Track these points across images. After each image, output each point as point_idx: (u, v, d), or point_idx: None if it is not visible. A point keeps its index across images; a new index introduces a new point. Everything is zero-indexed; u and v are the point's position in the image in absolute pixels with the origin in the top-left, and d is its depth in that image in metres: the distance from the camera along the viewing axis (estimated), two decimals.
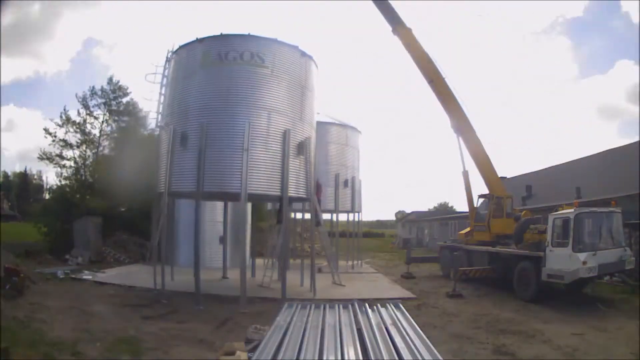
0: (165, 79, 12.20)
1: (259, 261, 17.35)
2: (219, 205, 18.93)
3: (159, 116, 12.10)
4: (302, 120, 11.88)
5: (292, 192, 11.32)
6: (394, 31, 15.56)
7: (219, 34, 11.29)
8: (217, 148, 10.65)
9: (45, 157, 22.50)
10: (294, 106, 11.59)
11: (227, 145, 10.66)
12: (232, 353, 5.70)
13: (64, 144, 22.62)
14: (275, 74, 11.28)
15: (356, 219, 21.57)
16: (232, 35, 11.31)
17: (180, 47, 11.93)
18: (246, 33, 11.24)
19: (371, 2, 15.49)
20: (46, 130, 22.26)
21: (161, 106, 12.14)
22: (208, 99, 11.04)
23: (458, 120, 15.31)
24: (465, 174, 15.90)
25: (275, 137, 11.03)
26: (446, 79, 15.32)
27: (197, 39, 11.43)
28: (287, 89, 11.50)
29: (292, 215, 21.24)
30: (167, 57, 12.19)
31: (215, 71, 11.13)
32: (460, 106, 15.29)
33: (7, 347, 5.83)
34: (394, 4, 15.55)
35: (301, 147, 11.66)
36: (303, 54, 12.06)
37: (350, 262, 20.39)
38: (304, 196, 12.16)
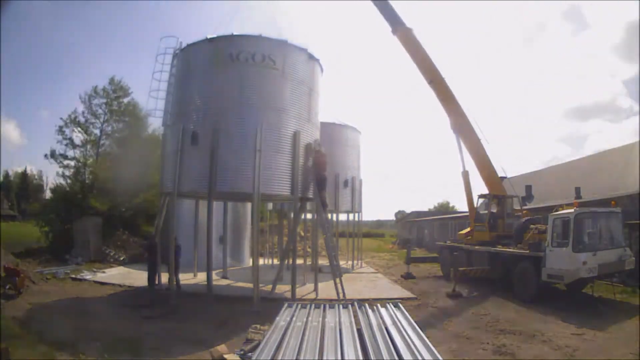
0: (172, 77, 11.98)
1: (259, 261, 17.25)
2: (219, 205, 18.94)
3: (167, 115, 11.85)
4: (309, 122, 11.89)
5: (301, 192, 11.41)
6: (394, 31, 15.56)
7: (229, 34, 11.17)
8: (228, 148, 10.58)
9: (52, 155, 22.62)
10: (302, 108, 11.62)
11: (238, 145, 10.59)
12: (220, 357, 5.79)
13: (70, 143, 22.79)
14: (286, 76, 11.25)
15: (356, 219, 21.61)
16: (243, 35, 11.18)
17: (189, 46, 11.77)
18: (257, 34, 11.17)
19: (370, 3, 15.49)
20: (60, 128, 22.49)
21: (168, 104, 11.90)
22: (220, 98, 10.93)
23: (457, 121, 15.31)
24: (465, 174, 15.90)
25: (286, 139, 11.03)
26: (445, 80, 15.34)
27: (207, 38, 11.28)
28: (296, 91, 11.50)
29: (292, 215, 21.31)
30: (173, 55, 12.03)
31: (227, 71, 11.02)
32: (459, 106, 15.30)
33: (7, 347, 5.83)
34: (393, 4, 15.56)
35: (309, 149, 11.71)
36: (311, 56, 12.07)
37: (350, 262, 20.40)
38: (311, 196, 12.19)
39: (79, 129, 22.91)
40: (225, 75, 11.02)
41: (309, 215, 17.84)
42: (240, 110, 10.77)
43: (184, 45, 11.92)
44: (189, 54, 11.78)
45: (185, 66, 11.79)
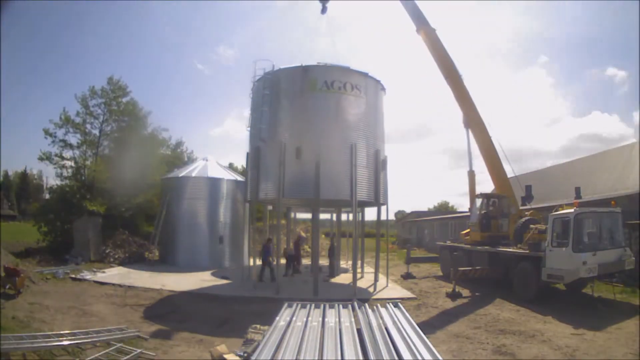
0: (262, 97, 12.93)
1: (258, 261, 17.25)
2: (219, 204, 18.97)
3: (258, 130, 12.83)
4: (382, 141, 13.96)
5: (382, 199, 13.78)
6: (418, 31, 15.68)
7: (322, 64, 12.88)
8: (329, 162, 12.15)
9: (45, 157, 22.42)
10: (379, 130, 13.70)
11: (337, 161, 12.26)
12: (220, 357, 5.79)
13: (63, 144, 22.55)
14: (368, 103, 13.16)
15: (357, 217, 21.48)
16: (335, 66, 12.99)
17: (281, 70, 13.04)
18: (346, 66, 13.12)
19: (392, 3, 15.62)
20: (46, 131, 22.18)
21: (258, 121, 12.95)
22: (319, 120, 12.45)
23: (470, 116, 15.33)
24: (471, 174, 15.88)
25: (370, 155, 12.95)
26: (462, 76, 15.47)
27: (301, 65, 12.80)
28: (374, 115, 13.52)
29: (293, 215, 21.28)
30: (263, 77, 13.11)
31: (323, 97, 12.60)
32: (473, 102, 15.38)
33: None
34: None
35: (384, 164, 13.83)
36: (382, 87, 14.12)
37: (350, 262, 20.37)
38: (383, 202, 14.13)
39: (74, 129, 22.66)
40: (322, 101, 12.60)
41: (308, 215, 17.86)
42: (337, 131, 12.45)
43: (274, 68, 13.10)
44: (280, 78, 13.00)
45: (277, 89, 12.92)
